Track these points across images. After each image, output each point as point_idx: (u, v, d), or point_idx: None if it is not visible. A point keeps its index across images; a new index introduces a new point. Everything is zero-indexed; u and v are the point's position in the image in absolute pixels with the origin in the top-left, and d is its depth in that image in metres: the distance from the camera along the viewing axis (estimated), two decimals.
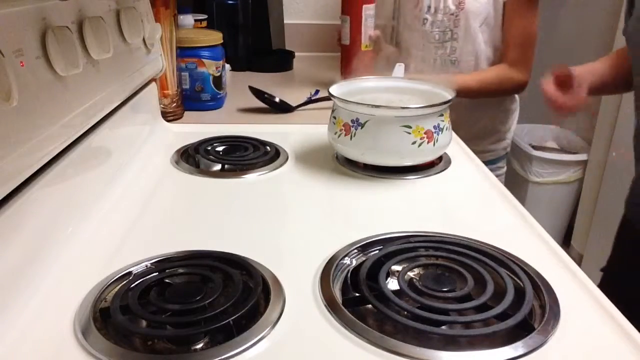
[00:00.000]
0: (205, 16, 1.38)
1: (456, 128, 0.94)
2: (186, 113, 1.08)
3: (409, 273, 0.52)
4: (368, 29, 1.26)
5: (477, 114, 1.34)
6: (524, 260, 0.54)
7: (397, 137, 0.73)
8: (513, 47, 1.23)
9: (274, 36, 1.64)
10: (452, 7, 1.23)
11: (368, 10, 1.24)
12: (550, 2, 2.28)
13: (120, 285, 0.50)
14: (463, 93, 1.14)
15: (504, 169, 1.44)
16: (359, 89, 0.84)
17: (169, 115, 1.02)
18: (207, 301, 0.46)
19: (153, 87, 0.92)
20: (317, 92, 1.22)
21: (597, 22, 2.08)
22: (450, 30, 1.25)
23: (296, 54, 1.61)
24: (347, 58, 1.29)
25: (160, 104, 0.98)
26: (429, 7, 1.28)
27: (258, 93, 1.12)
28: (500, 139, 1.38)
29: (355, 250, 0.56)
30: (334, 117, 0.79)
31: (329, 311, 0.47)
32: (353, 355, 0.42)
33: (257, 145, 0.87)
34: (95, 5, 0.64)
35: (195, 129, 0.98)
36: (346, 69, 1.28)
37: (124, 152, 0.76)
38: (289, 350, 0.43)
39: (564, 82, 0.91)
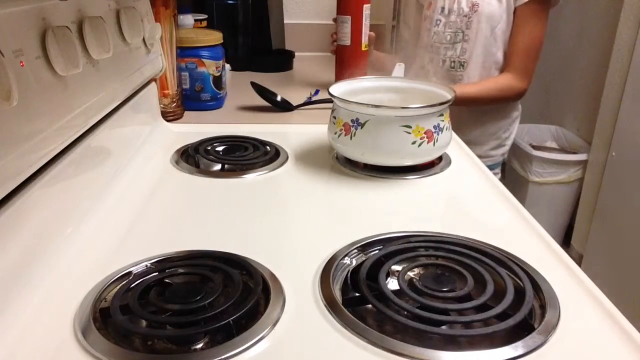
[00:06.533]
0: (205, 16, 1.38)
1: (459, 132, 0.95)
2: (186, 113, 1.08)
3: (409, 273, 0.52)
4: (367, 29, 1.26)
5: (481, 119, 1.34)
6: (524, 260, 0.54)
7: (397, 137, 0.73)
8: (517, 54, 1.23)
9: (274, 36, 1.64)
10: (466, 9, 1.23)
11: (366, 10, 1.24)
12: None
13: (120, 285, 0.50)
14: (463, 102, 1.15)
15: (499, 176, 1.44)
16: (359, 89, 0.84)
17: (169, 115, 1.02)
18: (207, 301, 0.46)
19: (153, 87, 0.92)
20: (317, 92, 1.22)
21: (597, 23, 2.08)
22: (462, 32, 1.25)
23: (296, 54, 1.61)
24: (347, 59, 1.28)
25: (160, 104, 0.98)
26: (443, 8, 1.28)
27: (260, 90, 1.12)
28: (500, 145, 1.39)
29: (355, 250, 0.56)
30: (334, 117, 0.79)
31: (329, 311, 0.47)
32: (353, 355, 0.42)
33: (257, 145, 0.87)
34: (95, 5, 0.64)
35: (195, 128, 0.98)
36: (345, 71, 1.27)
37: (124, 152, 0.76)
38: (289, 350, 0.43)
39: None
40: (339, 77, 1.30)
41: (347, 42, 1.26)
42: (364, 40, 1.26)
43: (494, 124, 1.35)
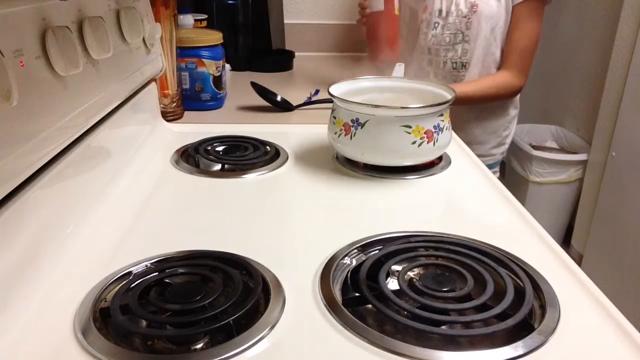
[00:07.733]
0: (205, 16, 1.38)
1: (460, 132, 0.95)
2: (186, 113, 1.08)
3: (409, 273, 0.52)
4: None
5: (481, 118, 1.34)
6: (524, 260, 0.54)
7: (397, 137, 0.73)
8: (515, 52, 1.24)
9: (274, 36, 1.64)
10: (465, 10, 1.23)
11: None
12: (551, 3, 2.28)
13: (120, 285, 0.50)
14: (462, 101, 1.15)
15: (497, 175, 1.45)
16: (359, 89, 0.84)
17: (169, 115, 1.02)
18: (207, 301, 0.46)
19: (153, 87, 0.92)
20: (317, 92, 1.22)
21: (597, 23, 2.08)
22: (462, 33, 1.25)
23: (296, 54, 1.61)
24: (379, 25, 1.20)
25: (160, 104, 0.98)
26: (440, 10, 1.28)
27: (260, 90, 1.12)
28: (500, 144, 1.39)
29: (355, 250, 0.56)
30: (334, 117, 0.79)
31: (329, 311, 0.47)
32: (353, 355, 0.42)
33: (257, 145, 0.87)
34: (95, 5, 0.64)
35: (195, 128, 0.98)
36: (378, 37, 1.21)
37: (124, 152, 0.76)
38: (289, 350, 0.43)
39: None
40: (374, 49, 1.22)
41: (381, 6, 1.16)
42: (397, 3, 1.18)
43: (494, 122, 1.36)
